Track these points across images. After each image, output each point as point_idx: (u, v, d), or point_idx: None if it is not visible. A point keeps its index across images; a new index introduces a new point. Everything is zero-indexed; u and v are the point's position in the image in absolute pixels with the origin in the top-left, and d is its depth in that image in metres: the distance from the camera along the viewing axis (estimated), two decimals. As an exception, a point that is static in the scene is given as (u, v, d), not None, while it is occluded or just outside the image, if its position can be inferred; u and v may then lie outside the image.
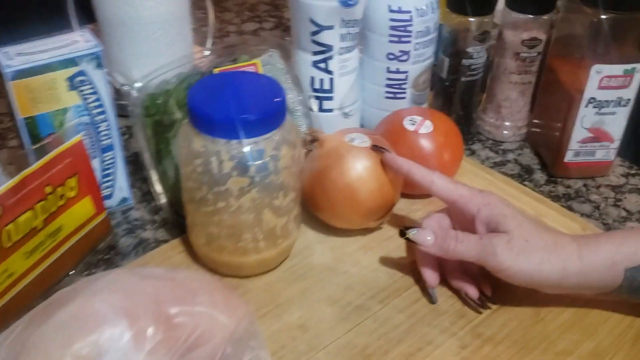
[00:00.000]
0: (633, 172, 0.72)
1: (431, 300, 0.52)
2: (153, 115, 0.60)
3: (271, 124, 0.48)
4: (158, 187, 0.59)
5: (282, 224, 0.52)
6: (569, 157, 0.69)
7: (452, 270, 0.53)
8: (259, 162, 0.47)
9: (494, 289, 0.53)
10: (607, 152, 0.69)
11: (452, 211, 0.54)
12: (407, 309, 0.52)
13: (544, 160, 0.73)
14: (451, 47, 0.71)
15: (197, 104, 0.47)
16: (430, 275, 0.53)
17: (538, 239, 0.48)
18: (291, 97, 0.65)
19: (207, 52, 0.75)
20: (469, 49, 0.70)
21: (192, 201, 0.51)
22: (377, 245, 0.58)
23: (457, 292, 0.53)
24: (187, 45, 0.77)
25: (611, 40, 0.62)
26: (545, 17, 0.69)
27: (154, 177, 0.59)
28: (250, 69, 0.62)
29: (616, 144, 0.68)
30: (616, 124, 0.67)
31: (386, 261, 0.56)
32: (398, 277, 0.55)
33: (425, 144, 0.61)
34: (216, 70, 0.61)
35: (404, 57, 0.69)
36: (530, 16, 0.69)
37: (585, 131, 0.67)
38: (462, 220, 0.53)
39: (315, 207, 0.57)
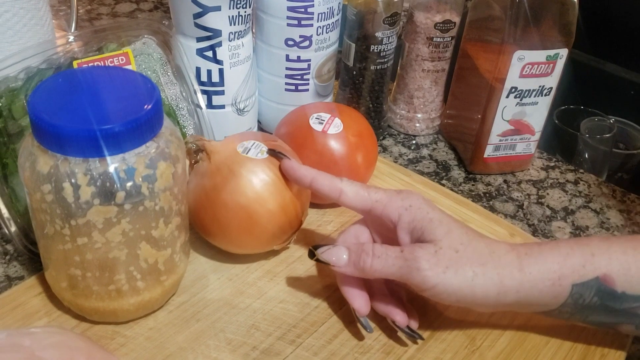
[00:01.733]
0: (552, 164, 0.68)
1: (365, 329, 0.43)
2: (-7, 122, 0.47)
3: (142, 134, 0.37)
4: (5, 212, 0.47)
5: (165, 257, 0.41)
6: (488, 152, 0.63)
7: (376, 292, 0.45)
8: (129, 184, 0.36)
9: (422, 313, 0.45)
10: (527, 145, 0.64)
11: (370, 221, 0.46)
12: (324, 349, 0.43)
13: (460, 155, 0.67)
14: (358, 31, 0.62)
15: (41, 112, 0.35)
16: (359, 301, 0.43)
17: (470, 249, 0.41)
18: (173, 94, 0.54)
19: (70, 39, 0.62)
20: (378, 34, 0.62)
21: (44, 237, 0.39)
22: (284, 270, 0.49)
23: (382, 318, 0.45)
24: (45, 31, 0.63)
25: (532, 24, 0.56)
26: (459, -3, 0.62)
27: (-1, 199, 0.47)
28: (120, 60, 0.51)
29: (537, 136, 0.63)
30: (537, 115, 0.61)
31: (296, 289, 0.47)
32: (311, 308, 0.46)
33: (336, 146, 0.53)
34: (76, 63, 0.49)
35: (305, 43, 0.60)
36: (443, -4, 0.62)
37: (505, 123, 0.61)
38: (382, 230, 0.45)
39: (206, 233, 0.47)
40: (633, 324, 0.42)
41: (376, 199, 0.44)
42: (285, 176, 0.46)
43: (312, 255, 0.43)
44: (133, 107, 0.37)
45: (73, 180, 0.36)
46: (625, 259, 0.41)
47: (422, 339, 0.44)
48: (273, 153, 0.47)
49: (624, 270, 0.40)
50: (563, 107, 0.85)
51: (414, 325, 0.44)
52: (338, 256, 0.42)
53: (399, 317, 0.44)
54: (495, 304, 0.41)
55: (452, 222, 0.42)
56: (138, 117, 0.36)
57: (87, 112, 0.36)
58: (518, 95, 0.59)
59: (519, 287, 0.40)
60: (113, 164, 0.36)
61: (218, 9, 0.53)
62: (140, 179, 0.37)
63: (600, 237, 0.50)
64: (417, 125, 0.70)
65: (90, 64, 0.49)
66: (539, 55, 0.57)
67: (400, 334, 0.45)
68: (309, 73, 0.62)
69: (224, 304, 0.46)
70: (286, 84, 0.63)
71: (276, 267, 0.49)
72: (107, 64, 0.51)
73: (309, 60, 0.61)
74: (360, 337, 0.44)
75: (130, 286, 0.41)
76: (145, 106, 0.37)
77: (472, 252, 0.41)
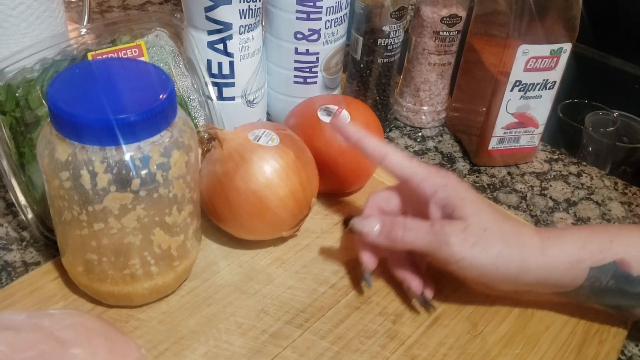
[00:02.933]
0: (556, 157, 0.69)
1: (366, 284, 0.47)
2: (12, 112, 0.48)
3: (157, 124, 0.38)
4: (22, 199, 0.48)
5: (178, 243, 0.43)
6: (493, 144, 0.64)
7: (398, 258, 0.48)
8: (144, 172, 0.38)
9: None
10: (531, 138, 0.65)
11: (403, 190, 0.48)
12: (331, 333, 0.45)
13: (466, 148, 0.68)
14: (365, 24, 0.63)
15: (59, 102, 0.37)
16: (368, 258, 0.47)
17: (497, 229, 0.43)
18: (184, 85, 0.56)
19: (83, 31, 0.63)
20: (385, 27, 0.63)
21: (62, 223, 0.41)
22: (292, 257, 0.50)
23: (399, 287, 0.48)
24: (58, 23, 0.65)
25: (537, 18, 0.57)
26: (465, -9, 0.63)
27: (16, 187, 0.48)
28: (133, 52, 0.52)
29: (541, 129, 0.64)
30: (541, 108, 0.62)
31: (304, 275, 0.49)
32: (319, 294, 0.47)
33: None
34: (90, 55, 0.50)
35: (314, 37, 0.61)
36: (450, -9, 0.63)
37: (510, 116, 0.62)
38: (414, 201, 0.47)
39: (218, 218, 0.49)
40: None
41: (415, 172, 0.46)
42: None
43: (346, 225, 0.46)
44: (148, 98, 0.38)
45: (90, 168, 0.37)
46: None
47: (434, 308, 0.47)
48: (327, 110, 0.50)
49: None
50: (567, 101, 0.85)
51: (429, 294, 0.47)
52: (370, 227, 0.44)
53: (414, 283, 0.46)
54: (515, 282, 0.44)
55: (482, 203, 0.44)
56: (153, 107, 0.37)
57: (103, 102, 0.37)
58: (522, 89, 0.60)
59: (540, 267, 0.43)
60: (129, 152, 0.37)
61: (229, 2, 0.55)
62: (155, 167, 0.38)
63: (619, 225, 0.52)
64: (423, 117, 0.71)
65: (104, 56, 0.51)
66: (543, 50, 0.58)
67: (414, 302, 0.47)
68: (317, 66, 0.63)
69: (234, 289, 0.47)
70: (295, 76, 0.64)
71: (285, 254, 0.50)
72: (120, 56, 0.52)
73: (318, 53, 0.62)
74: (364, 322, 0.46)
75: (144, 271, 0.42)
76: (160, 96, 0.38)
77: (499, 232, 0.43)
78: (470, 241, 0.42)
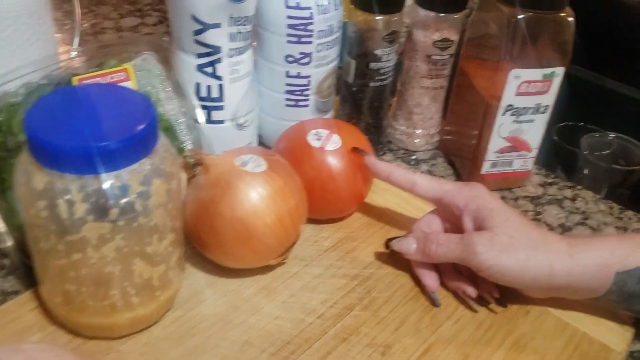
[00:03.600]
0: (550, 180, 0.68)
1: (434, 303, 0.49)
2: (-7, 137, 0.47)
3: (137, 151, 0.37)
4: (2, 225, 0.47)
5: (159, 273, 0.41)
6: (485, 168, 0.63)
7: (445, 271, 0.51)
8: (123, 201, 0.37)
9: (416, 330, 0.47)
10: (525, 162, 0.64)
11: (440, 210, 0.52)
12: (318, 366, 0.43)
13: (459, 171, 0.67)
14: (357, 48, 0.63)
15: (36, 129, 0.36)
16: (429, 279, 0.49)
17: (524, 236, 0.45)
18: (172, 109, 0.55)
19: (72, 54, 0.62)
20: (377, 51, 0.62)
21: (39, 252, 0.40)
22: (280, 286, 0.49)
23: (454, 293, 0.50)
24: (47, 46, 0.64)
25: (529, 42, 0.56)
26: (457, 15, 0.63)
27: (-3, 213, 0.47)
28: (120, 76, 0.51)
29: (534, 153, 0.63)
30: (534, 132, 0.62)
31: (291, 305, 0.48)
32: (306, 324, 0.46)
33: (334, 162, 0.53)
34: (75, 79, 0.49)
35: (305, 60, 0.60)
36: (441, 14, 0.62)
37: (502, 140, 0.61)
38: (451, 217, 0.50)
39: (203, 246, 0.48)
40: None
41: (446, 189, 0.50)
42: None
43: (387, 246, 0.50)
44: (128, 125, 0.37)
45: (67, 197, 0.36)
46: None
47: (504, 305, 0.48)
48: (356, 150, 0.53)
49: None
50: (562, 124, 0.85)
51: (496, 294, 0.48)
52: (408, 246, 0.49)
53: (469, 289, 0.48)
54: (546, 286, 0.45)
55: (509, 212, 0.47)
56: (133, 135, 0.37)
57: (82, 129, 0.36)
58: (515, 113, 0.59)
59: (568, 271, 0.44)
60: (107, 181, 0.36)
61: (218, 26, 0.54)
62: (135, 196, 0.37)
63: None
64: (417, 141, 0.70)
65: (90, 80, 0.50)
66: (535, 74, 0.57)
67: (472, 304, 0.49)
68: (309, 89, 0.63)
69: (218, 320, 0.46)
70: (286, 99, 0.63)
71: (272, 283, 0.49)
72: (107, 80, 0.51)
73: (309, 76, 0.62)
74: (353, 354, 0.44)
75: (124, 301, 0.41)
76: (140, 124, 0.37)
77: (525, 238, 0.45)
78: (497, 248, 0.44)
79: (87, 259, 0.38)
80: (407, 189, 0.51)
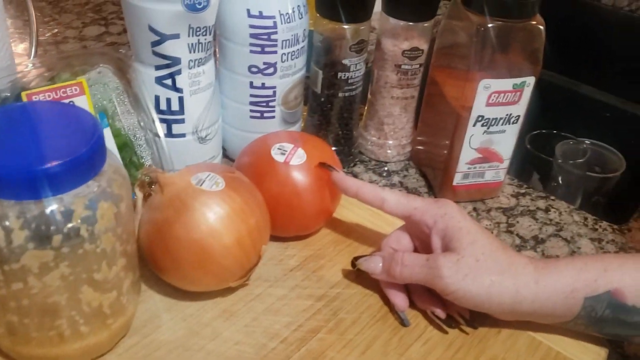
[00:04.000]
0: (523, 191, 0.67)
1: (403, 323, 0.47)
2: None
3: (82, 174, 0.35)
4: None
5: (110, 300, 0.39)
6: (457, 179, 0.62)
7: (414, 290, 0.49)
8: (67, 227, 0.35)
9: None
10: (496, 173, 0.62)
11: (409, 227, 0.50)
12: (280, 394, 0.41)
13: (431, 182, 0.66)
14: (325, 57, 0.61)
15: (-29, 152, 0.33)
16: (398, 298, 0.48)
17: (490, 259, 0.44)
18: (130, 124, 0.53)
19: (29, 66, 0.60)
20: (345, 61, 0.60)
21: (-22, 281, 0.37)
22: (242, 309, 0.47)
23: (423, 312, 0.49)
24: (2, 57, 0.62)
25: (499, 51, 0.55)
26: (426, 24, 0.61)
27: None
28: (73, 90, 0.49)
29: (506, 164, 0.62)
30: (506, 143, 0.60)
31: (254, 329, 0.45)
32: (268, 349, 0.44)
33: (299, 177, 0.51)
34: (24, 95, 0.47)
35: (270, 70, 0.58)
36: (410, 23, 0.61)
37: (473, 152, 0.60)
38: (420, 234, 0.49)
39: (158, 269, 0.45)
40: None
41: (415, 206, 0.48)
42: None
43: (353, 265, 0.49)
44: (72, 146, 0.35)
45: (5, 224, 0.34)
46: (637, 275, 0.43)
47: (474, 327, 0.47)
48: (323, 165, 0.51)
49: (635, 286, 0.43)
50: (536, 132, 0.84)
51: (466, 315, 0.47)
52: (374, 265, 0.47)
53: (438, 311, 0.47)
54: (511, 311, 0.44)
55: (478, 233, 0.45)
56: (77, 157, 0.34)
57: (22, 152, 0.34)
58: (485, 124, 0.58)
59: (534, 297, 0.43)
60: (49, 206, 0.34)
61: (177, 36, 0.52)
62: (79, 221, 0.35)
63: (614, 254, 0.53)
64: (389, 151, 0.69)
65: (41, 95, 0.47)
66: (506, 84, 0.56)
67: (441, 324, 0.47)
68: (274, 100, 0.61)
69: (176, 346, 0.44)
70: (251, 111, 0.61)
71: (233, 306, 0.47)
72: (59, 95, 0.49)
73: (274, 87, 0.60)
74: (318, 380, 0.43)
75: (73, 331, 0.39)
76: (85, 144, 0.35)
77: (492, 262, 0.44)
78: (462, 273, 0.43)
79: (28, 289, 0.36)
80: (377, 206, 0.49)
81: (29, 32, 0.71)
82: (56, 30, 0.86)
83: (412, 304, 0.49)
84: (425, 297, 0.48)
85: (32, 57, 0.67)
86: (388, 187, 0.50)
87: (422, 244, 0.49)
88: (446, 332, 0.47)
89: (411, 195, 0.50)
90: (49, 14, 0.89)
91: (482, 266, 0.43)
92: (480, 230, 0.46)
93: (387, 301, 0.49)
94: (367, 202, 0.50)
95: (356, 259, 0.49)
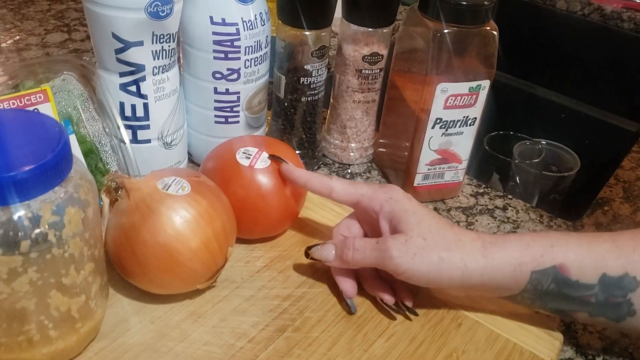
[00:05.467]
0: (481, 190, 0.69)
1: (349, 310, 0.49)
2: None
3: (49, 180, 0.36)
4: None
5: (79, 304, 0.40)
6: (418, 180, 0.64)
7: (366, 276, 0.51)
8: (35, 232, 0.35)
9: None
10: (455, 174, 0.65)
11: (358, 213, 0.52)
12: (248, 392, 0.42)
13: (393, 184, 0.67)
14: (287, 63, 0.63)
15: (-64, 159, 0.34)
16: (346, 285, 0.49)
17: (438, 237, 0.45)
18: (95, 130, 0.53)
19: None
20: (307, 66, 0.62)
21: (-55, 288, 0.37)
22: (209, 310, 0.48)
23: (373, 299, 0.50)
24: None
25: (455, 56, 0.57)
26: (385, 30, 0.63)
27: None
28: (38, 98, 0.49)
29: (464, 165, 0.64)
30: (463, 144, 0.63)
31: (221, 329, 0.46)
32: (236, 349, 0.45)
33: (264, 180, 0.52)
34: (-12, 102, 0.47)
35: (234, 76, 0.60)
36: (370, 29, 0.63)
37: (433, 153, 0.62)
38: (369, 220, 0.50)
39: (126, 273, 0.46)
40: (586, 312, 0.46)
41: (362, 193, 0.49)
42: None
43: (307, 255, 0.50)
44: (38, 152, 0.35)
45: (-27, 230, 0.34)
46: (580, 251, 0.45)
47: (416, 313, 0.49)
48: (273, 158, 0.52)
49: (578, 261, 0.45)
50: (494, 133, 0.87)
51: (409, 303, 0.49)
52: (327, 253, 0.49)
53: (386, 296, 0.49)
54: (461, 286, 0.46)
55: (424, 214, 0.47)
56: (43, 163, 0.35)
57: (-12, 158, 0.35)
58: (443, 126, 0.60)
59: (483, 271, 0.45)
60: (17, 212, 0.35)
61: (140, 44, 0.53)
62: (47, 226, 0.36)
63: (560, 232, 0.54)
64: (352, 154, 0.70)
65: (5, 103, 0.48)
66: (462, 87, 0.58)
67: (390, 310, 0.49)
68: (238, 105, 0.62)
69: (145, 349, 0.44)
70: (216, 116, 0.62)
71: (201, 308, 0.48)
72: (24, 102, 0.49)
73: (238, 92, 0.61)
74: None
75: (42, 335, 0.39)
76: (51, 150, 0.36)
77: (439, 239, 0.45)
78: (411, 252, 0.45)
79: (-4, 295, 0.36)
80: (325, 195, 0.51)
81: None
82: (18, 37, 0.85)
83: (362, 291, 0.50)
84: (375, 283, 0.50)
85: (-7, 65, 0.67)
86: (336, 177, 0.51)
87: (372, 229, 0.50)
88: (394, 319, 0.49)
89: (358, 183, 0.51)
90: (10, 20, 0.88)
91: (429, 244, 0.45)
92: (426, 211, 0.47)
93: (337, 291, 0.50)
94: (316, 192, 0.51)
95: (309, 248, 0.50)
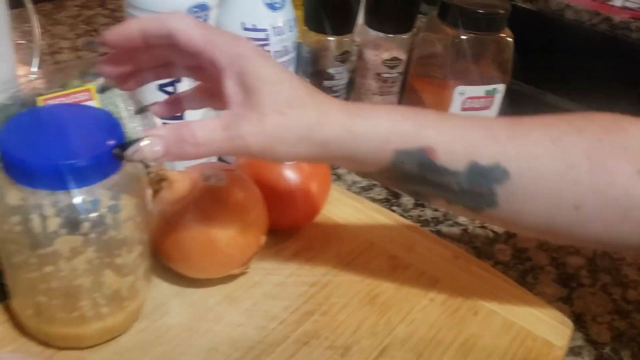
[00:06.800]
0: (495, 190, 0.72)
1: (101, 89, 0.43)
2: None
3: (107, 168, 0.39)
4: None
5: (128, 284, 0.43)
6: (435, 179, 0.67)
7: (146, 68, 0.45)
8: (94, 215, 0.39)
9: (372, 332, 0.49)
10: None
11: (196, 72, 0.44)
12: (281, 369, 0.46)
13: (411, 183, 0.71)
14: (311, 67, 0.66)
15: (9, 148, 0.37)
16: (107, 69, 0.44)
17: (298, 111, 0.39)
18: (134, 127, 0.57)
19: (33, 77, 0.64)
20: (330, 70, 0.66)
21: (11, 266, 0.41)
22: (242, 294, 0.51)
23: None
24: (7, 67, 0.65)
25: (471, 61, 0.61)
26: (405, 36, 0.67)
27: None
28: (83, 96, 0.53)
29: (479, 165, 0.68)
30: (479, 145, 0.66)
31: (254, 312, 0.50)
32: (268, 330, 0.49)
33: (291, 175, 0.56)
34: (40, 99, 0.51)
35: (262, 79, 0.63)
36: (390, 35, 0.66)
37: (450, 153, 0.65)
38: (207, 79, 0.43)
39: (168, 259, 0.50)
40: (445, 198, 0.43)
41: (210, 39, 0.39)
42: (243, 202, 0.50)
43: (120, 157, 0.39)
44: (97, 142, 0.39)
45: (40, 212, 0.38)
46: (453, 134, 0.41)
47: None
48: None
49: (448, 146, 0.41)
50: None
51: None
52: (149, 151, 0.38)
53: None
54: (320, 159, 0.42)
55: (283, 82, 0.39)
56: (102, 152, 0.39)
57: (54, 148, 0.38)
58: (460, 127, 0.63)
59: (343, 144, 0.40)
60: (79, 196, 0.38)
61: (178, 47, 0.56)
62: (105, 210, 0.39)
63: (434, 112, 0.45)
64: (370, 154, 0.74)
65: (54, 100, 0.51)
66: (479, 90, 0.61)
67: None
68: (265, 106, 0.65)
69: (184, 329, 0.48)
70: (244, 116, 0.66)
71: (235, 291, 0.51)
72: (71, 100, 0.53)
73: (266, 94, 0.64)
74: (314, 357, 0.47)
75: (94, 312, 0.42)
76: (109, 141, 0.39)
77: (301, 114, 0.39)
78: (269, 135, 0.39)
79: (58, 272, 0.39)
80: (164, 39, 0.39)
81: (25, 43, 0.75)
82: (51, 41, 0.90)
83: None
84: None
85: (36, 68, 0.71)
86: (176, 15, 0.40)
87: (207, 82, 0.44)
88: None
89: (210, 26, 0.42)
90: (43, 25, 0.93)
91: (289, 122, 0.39)
92: (286, 76, 0.40)
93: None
94: (153, 37, 0.40)
95: (121, 147, 0.39)
